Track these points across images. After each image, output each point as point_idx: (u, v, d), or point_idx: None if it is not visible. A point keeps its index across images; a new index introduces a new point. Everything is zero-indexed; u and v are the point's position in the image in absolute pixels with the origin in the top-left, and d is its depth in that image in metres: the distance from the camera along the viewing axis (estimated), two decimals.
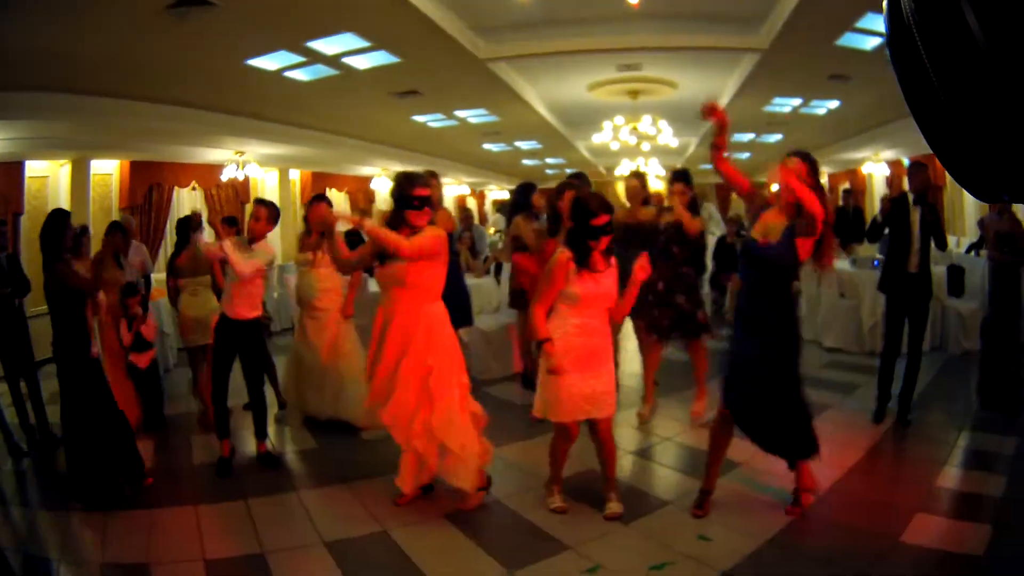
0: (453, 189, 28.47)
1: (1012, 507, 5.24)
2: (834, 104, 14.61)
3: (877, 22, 8.78)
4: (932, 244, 7.03)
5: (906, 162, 19.30)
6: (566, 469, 5.53)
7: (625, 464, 6.35)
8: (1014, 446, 6.44)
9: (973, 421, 7.04)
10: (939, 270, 10.45)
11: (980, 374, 7.40)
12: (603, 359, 5.17)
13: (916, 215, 6.93)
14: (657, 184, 24.89)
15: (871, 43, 9.71)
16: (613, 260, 5.15)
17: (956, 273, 10.51)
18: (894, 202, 7.19)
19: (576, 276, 4.98)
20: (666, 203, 7.64)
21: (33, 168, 12.19)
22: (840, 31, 9.32)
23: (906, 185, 7.13)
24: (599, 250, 5.01)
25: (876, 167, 19.84)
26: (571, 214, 5.22)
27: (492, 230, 22.51)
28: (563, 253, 5.00)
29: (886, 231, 7.30)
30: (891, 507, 5.20)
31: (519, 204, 8.20)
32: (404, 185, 5.24)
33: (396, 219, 5.25)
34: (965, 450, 6.44)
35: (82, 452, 5.83)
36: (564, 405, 5.06)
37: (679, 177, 7.18)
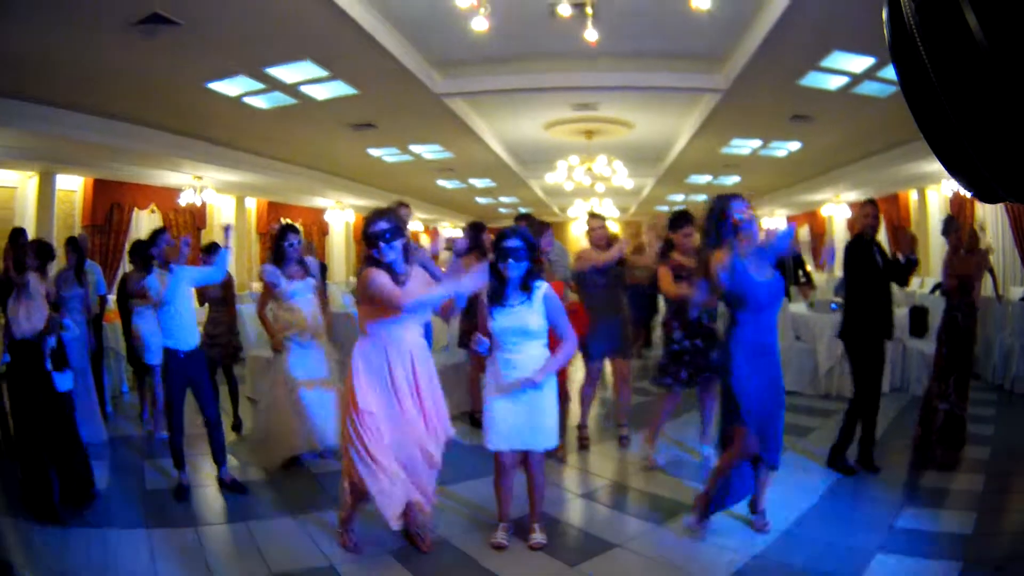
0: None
1: (981, 542, 5.21)
2: (795, 145, 14.72)
3: (843, 61, 8.87)
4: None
5: None
6: (515, 508, 5.46)
7: (574, 506, 6.26)
8: (982, 482, 6.42)
9: (935, 461, 6.96)
10: (901, 312, 10.47)
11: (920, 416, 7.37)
12: (539, 392, 5.11)
13: (876, 256, 6.77)
14: (612, 226, 24.95)
15: (835, 82, 9.80)
16: (547, 293, 5.16)
17: (919, 314, 10.53)
18: (852, 248, 7.04)
19: (491, 312, 5.06)
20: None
21: (2, 178, 12.36)
22: (804, 71, 9.40)
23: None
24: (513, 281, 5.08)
25: (836, 208, 20.02)
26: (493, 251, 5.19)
27: (444, 269, 22.47)
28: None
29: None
30: (849, 549, 5.12)
31: (469, 244, 7.97)
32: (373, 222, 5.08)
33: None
34: (927, 490, 6.36)
35: (31, 467, 5.86)
36: (498, 435, 5.08)
37: (686, 220, 6.84)
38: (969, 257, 7.38)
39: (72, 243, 8.81)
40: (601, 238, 7.52)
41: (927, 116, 1.45)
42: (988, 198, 1.56)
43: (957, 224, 7.65)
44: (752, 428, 5.18)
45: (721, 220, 5.22)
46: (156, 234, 6.85)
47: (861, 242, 6.90)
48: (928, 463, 6.94)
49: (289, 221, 14.11)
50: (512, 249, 5.00)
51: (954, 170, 1.50)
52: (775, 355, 5.31)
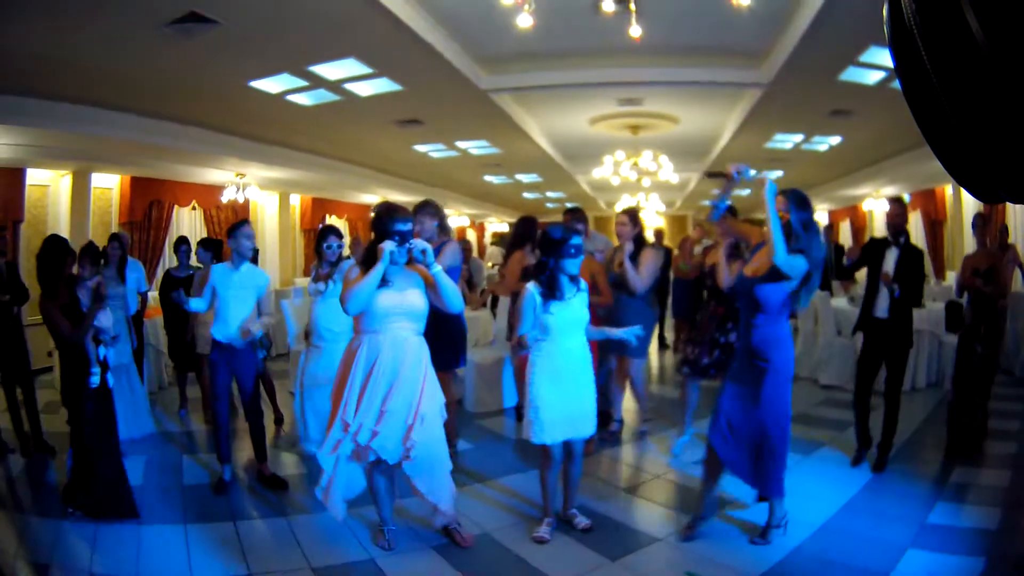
0: (453, 220, 28.47)
1: (1006, 538, 5.26)
2: (836, 140, 14.69)
3: (880, 56, 8.82)
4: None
5: (907, 198, 19.42)
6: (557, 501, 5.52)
7: (615, 500, 6.26)
8: (1008, 478, 6.46)
9: (967, 456, 6.99)
10: (937, 307, 10.42)
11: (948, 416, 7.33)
12: (581, 380, 5.24)
13: (891, 257, 6.75)
14: (658, 220, 24.80)
15: (874, 77, 9.77)
16: (588, 283, 5.40)
17: (954, 309, 10.47)
18: (869, 244, 7.10)
19: (547, 307, 5.10)
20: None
21: (34, 177, 12.30)
22: (843, 65, 9.37)
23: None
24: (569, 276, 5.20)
25: (877, 203, 19.89)
26: (539, 245, 5.29)
27: (490, 264, 22.49)
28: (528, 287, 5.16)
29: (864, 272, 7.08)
30: (883, 543, 5.15)
31: (520, 238, 7.93)
32: (384, 217, 4.95)
33: (374, 252, 4.87)
34: (958, 485, 6.35)
35: (86, 463, 5.77)
36: (548, 427, 5.13)
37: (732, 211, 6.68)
38: (989, 251, 7.43)
39: (116, 239, 8.93)
40: (624, 234, 7.45)
41: (927, 116, 1.47)
42: (988, 198, 1.57)
43: (984, 220, 7.74)
44: (716, 441, 5.19)
45: None
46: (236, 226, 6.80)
47: (878, 243, 6.98)
48: (951, 458, 6.98)
49: (330, 223, 14.18)
50: (578, 246, 5.15)
51: (954, 170, 1.51)
52: (763, 376, 5.04)
